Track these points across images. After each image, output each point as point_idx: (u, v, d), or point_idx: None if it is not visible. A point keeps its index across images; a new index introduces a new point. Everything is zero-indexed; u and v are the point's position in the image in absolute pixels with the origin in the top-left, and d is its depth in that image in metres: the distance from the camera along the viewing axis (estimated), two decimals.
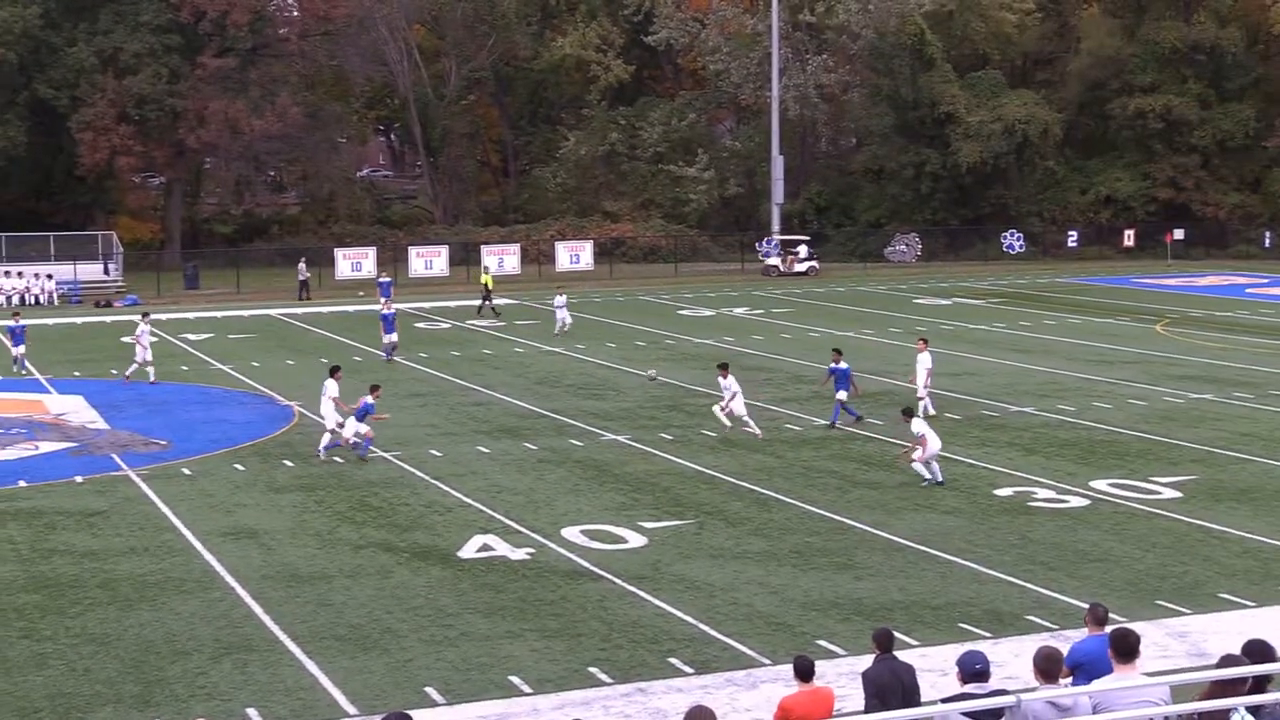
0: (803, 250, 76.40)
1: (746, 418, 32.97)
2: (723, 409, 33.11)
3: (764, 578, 22.37)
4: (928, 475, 27.91)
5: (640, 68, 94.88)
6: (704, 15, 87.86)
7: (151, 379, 41.71)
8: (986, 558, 23.21)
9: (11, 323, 44.12)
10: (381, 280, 61.22)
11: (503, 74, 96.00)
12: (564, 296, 53.14)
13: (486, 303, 58.52)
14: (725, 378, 33.11)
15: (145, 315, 44.67)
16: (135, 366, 42.05)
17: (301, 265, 69.01)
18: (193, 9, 77.23)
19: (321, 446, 31.58)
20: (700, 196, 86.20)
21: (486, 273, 62.85)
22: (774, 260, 76.53)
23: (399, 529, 25.61)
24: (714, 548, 24.11)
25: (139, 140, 77.16)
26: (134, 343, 42.70)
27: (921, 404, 34.67)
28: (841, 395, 34.50)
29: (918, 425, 28.25)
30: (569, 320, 51.82)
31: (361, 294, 65.29)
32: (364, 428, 31.25)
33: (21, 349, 43.81)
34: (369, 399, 31.50)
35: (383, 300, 51.04)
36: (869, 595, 21.46)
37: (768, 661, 18.77)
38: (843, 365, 34.88)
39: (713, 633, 19.87)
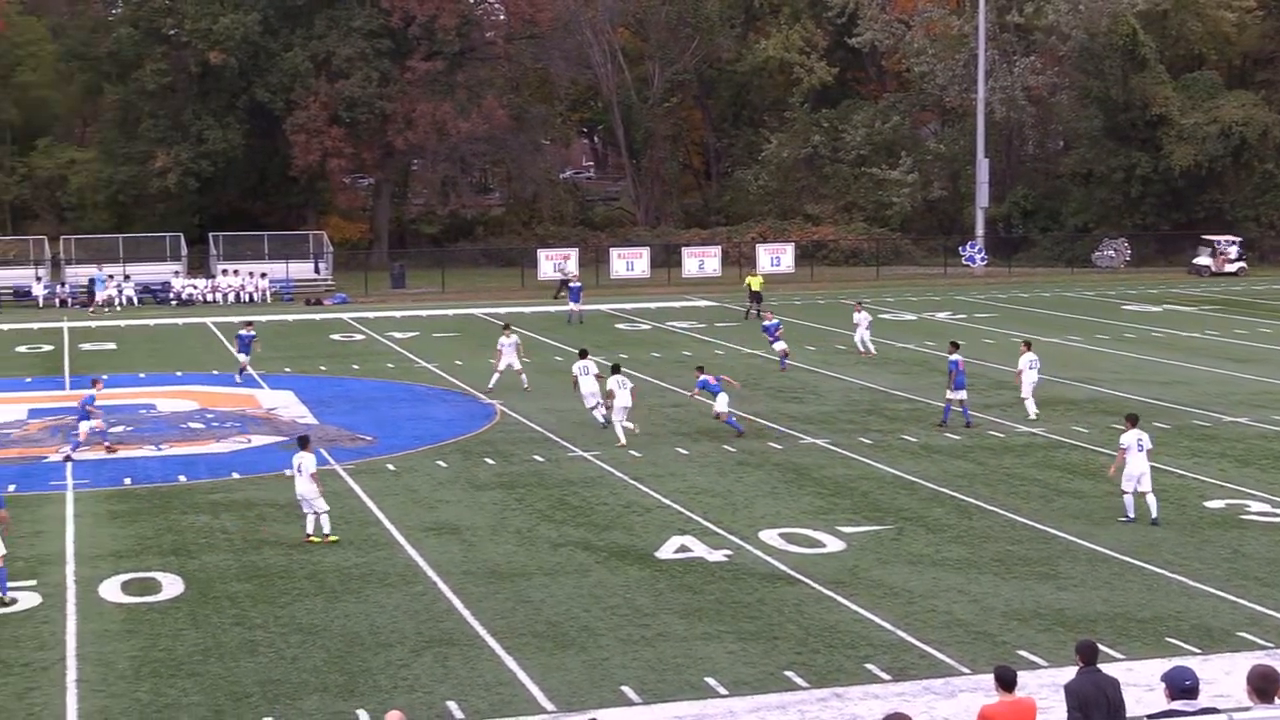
0: (1233, 250, 75.07)
1: (616, 418, 33.22)
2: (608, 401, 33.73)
3: (964, 585, 22.06)
4: (1129, 492, 25.70)
5: (844, 69, 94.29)
6: (909, 16, 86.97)
7: (525, 385, 40.11)
8: (1196, 571, 22.56)
9: (242, 331, 43.94)
10: (572, 285, 60.73)
11: (706, 76, 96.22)
12: (866, 314, 47.85)
13: (754, 305, 58.34)
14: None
15: (507, 327, 42.49)
16: (498, 376, 40.54)
17: (563, 263, 70.00)
18: (402, 14, 78.87)
19: (600, 416, 34.21)
20: (903, 199, 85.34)
21: (755, 275, 62.27)
22: (1205, 260, 75.27)
23: (597, 528, 25.80)
24: (913, 554, 23.84)
25: (349, 142, 78.99)
26: (502, 351, 40.84)
27: (1027, 402, 35.34)
28: (960, 394, 34.26)
29: (1125, 437, 25.79)
30: (869, 338, 47.21)
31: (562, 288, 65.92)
32: (722, 408, 33.71)
33: (245, 357, 43.14)
34: (707, 378, 34.12)
35: (767, 317, 46.58)
36: (1072, 606, 21.02)
37: (967, 670, 18.50)
38: (954, 358, 34.45)
39: (911, 639, 19.65)
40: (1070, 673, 13.71)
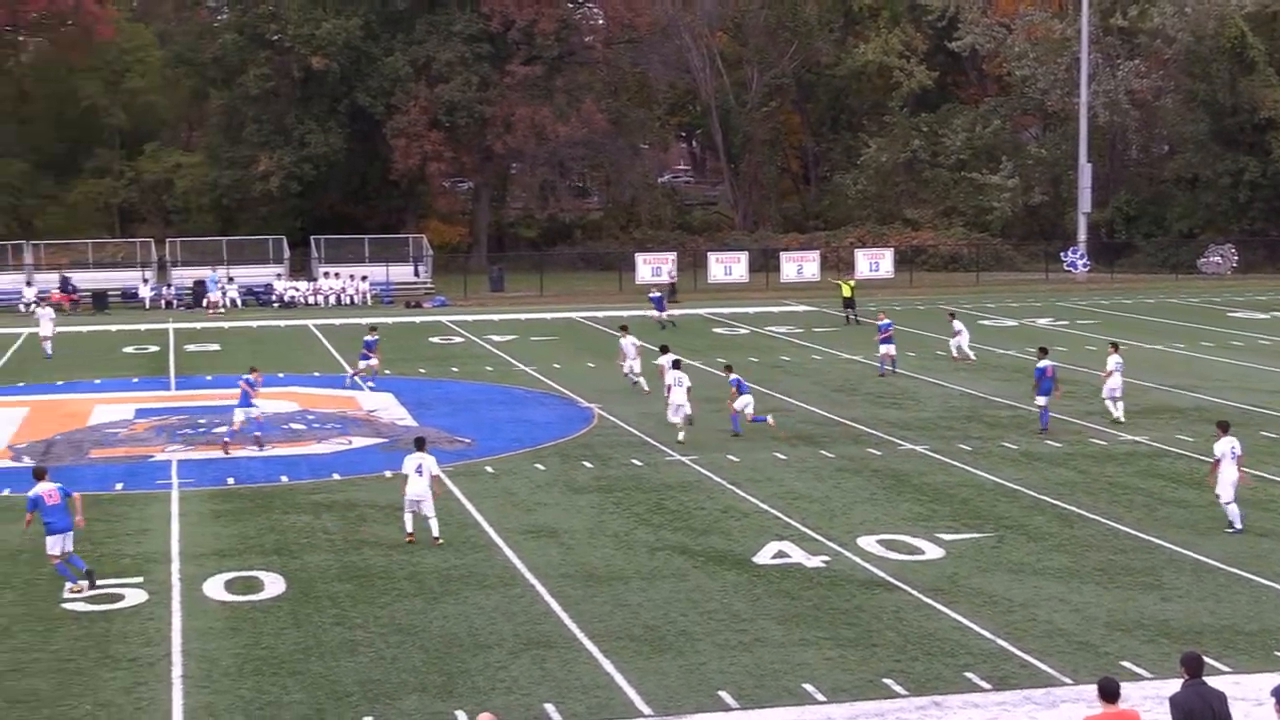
0: None
1: (673, 417, 33.95)
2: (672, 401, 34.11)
3: (1065, 594, 21.81)
4: (1232, 501, 25.27)
5: (944, 74, 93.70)
6: (1010, 20, 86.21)
7: (644, 388, 40.12)
8: None
9: (367, 337, 43.45)
10: (653, 294, 58.95)
11: (804, 80, 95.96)
12: (959, 323, 47.21)
13: (850, 311, 57.93)
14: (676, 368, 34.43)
15: (624, 328, 42.97)
16: (634, 376, 40.78)
17: (665, 267, 70.12)
18: (502, 19, 79.36)
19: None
20: (1004, 204, 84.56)
21: (848, 281, 61.51)
22: None
23: (695, 532, 25.79)
24: (1014, 562, 23.62)
25: (449, 146, 79.59)
26: (625, 352, 41.08)
27: (1118, 405, 35.59)
28: (1041, 400, 34.25)
29: (1219, 445, 25.34)
30: (966, 343, 46.44)
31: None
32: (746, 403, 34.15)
33: (364, 363, 42.63)
34: (739, 377, 34.72)
35: (881, 316, 45.84)
36: (1177, 617, 20.72)
37: (1069, 681, 18.30)
38: (1041, 364, 34.13)
39: (1011, 648, 19.46)
40: (1175, 685, 13.52)
